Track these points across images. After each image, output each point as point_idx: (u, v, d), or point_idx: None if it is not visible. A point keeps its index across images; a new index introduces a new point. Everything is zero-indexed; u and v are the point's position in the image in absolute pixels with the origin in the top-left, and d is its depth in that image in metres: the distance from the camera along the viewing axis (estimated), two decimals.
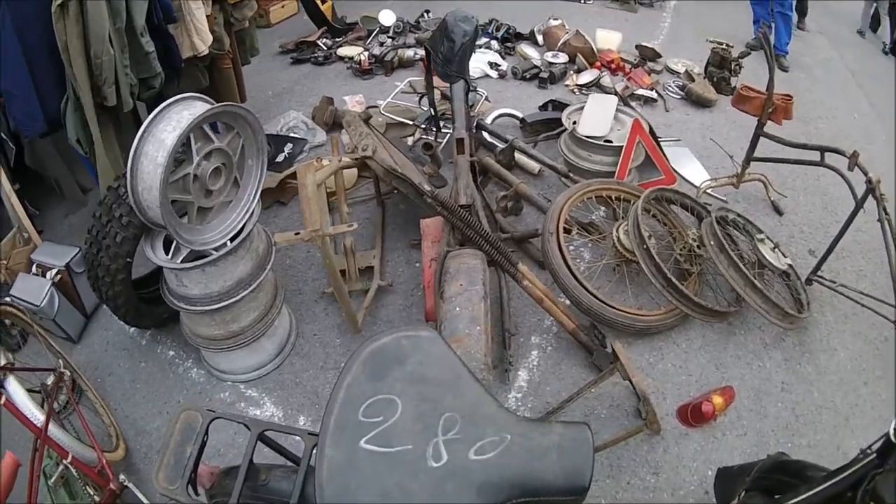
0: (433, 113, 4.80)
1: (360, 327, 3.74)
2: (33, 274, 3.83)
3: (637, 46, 6.99)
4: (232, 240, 3.13)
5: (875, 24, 8.98)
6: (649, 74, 6.50)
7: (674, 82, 6.51)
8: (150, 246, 3.11)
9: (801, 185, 5.06)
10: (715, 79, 6.38)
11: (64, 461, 2.55)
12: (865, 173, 3.69)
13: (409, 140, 4.89)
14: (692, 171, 5.07)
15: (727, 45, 6.43)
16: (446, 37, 4.26)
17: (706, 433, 3.22)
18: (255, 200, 3.24)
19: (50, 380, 3.04)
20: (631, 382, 2.87)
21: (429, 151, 4.29)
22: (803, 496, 1.81)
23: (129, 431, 3.32)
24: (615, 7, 8.61)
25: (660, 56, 6.88)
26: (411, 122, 4.92)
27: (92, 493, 2.65)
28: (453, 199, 3.69)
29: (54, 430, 2.66)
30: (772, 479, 2.07)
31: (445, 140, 4.90)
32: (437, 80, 4.76)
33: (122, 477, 2.82)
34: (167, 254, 3.15)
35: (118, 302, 3.33)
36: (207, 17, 4.27)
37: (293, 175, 4.51)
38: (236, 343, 3.33)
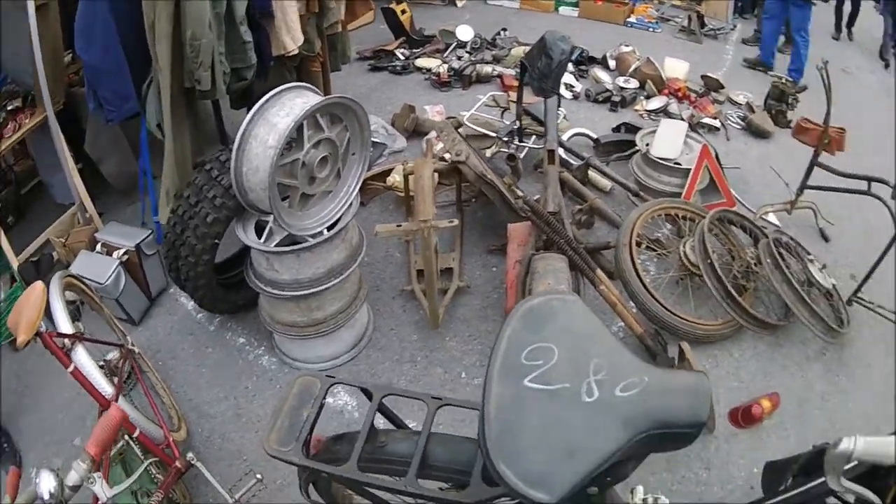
0: (519, 125, 5.03)
1: (440, 324, 3.89)
2: (97, 252, 3.81)
3: (702, 77, 7.21)
4: (329, 229, 3.23)
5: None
6: (713, 104, 6.74)
7: (735, 113, 6.75)
8: (242, 229, 3.17)
9: (846, 215, 5.27)
10: (773, 111, 6.61)
11: (131, 435, 2.51)
12: None
13: (488, 153, 5.09)
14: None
15: (787, 79, 6.68)
16: (545, 53, 4.52)
17: (753, 434, 3.43)
18: (355, 193, 3.34)
19: (112, 355, 3.03)
20: None
21: (511, 163, 4.55)
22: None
23: (192, 415, 3.36)
24: (682, 37, 8.84)
25: (723, 87, 7.12)
26: (494, 135, 5.13)
27: (155, 472, 2.60)
28: (542, 206, 3.93)
29: (122, 403, 2.61)
30: (818, 464, 2.33)
31: (524, 154, 5.13)
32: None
33: (189, 455, 2.78)
34: (259, 238, 3.20)
35: (198, 283, 3.36)
36: (301, 16, 4.23)
37: (374, 177, 4.77)
38: (317, 331, 3.39)
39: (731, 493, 3.20)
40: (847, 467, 1.72)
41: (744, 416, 2.71)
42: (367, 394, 1.91)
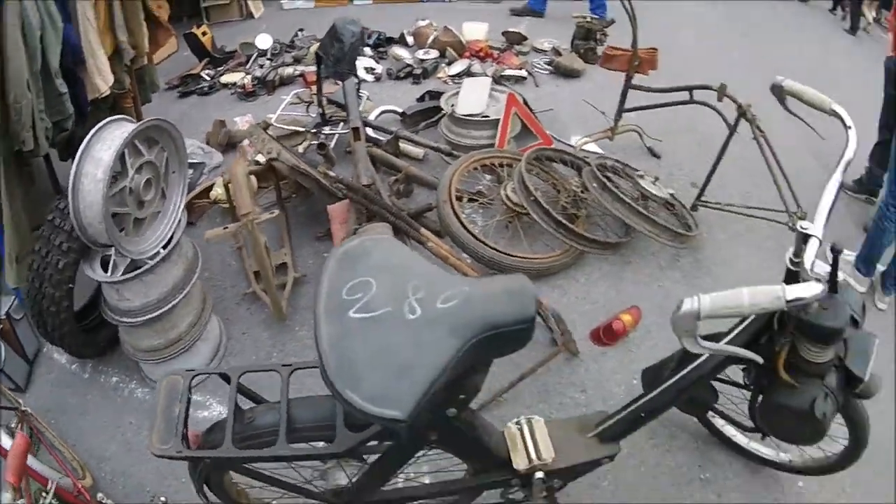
0: (323, 114, 5.08)
1: (286, 315, 3.91)
2: None
3: (503, 33, 7.31)
4: (164, 248, 3.30)
5: None
6: (517, 56, 6.84)
7: (542, 60, 6.86)
8: (89, 267, 3.23)
9: (676, 129, 5.44)
10: (582, 50, 6.76)
11: (46, 490, 2.59)
12: (735, 100, 4.07)
13: (300, 148, 5.06)
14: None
15: (591, 17, 6.85)
16: (336, 39, 4.57)
17: (621, 350, 3.52)
18: (181, 209, 3.43)
19: (13, 422, 3.03)
20: (539, 307, 3.16)
21: (322, 151, 4.55)
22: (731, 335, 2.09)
23: (91, 461, 3.33)
24: (481, 3, 8.94)
25: (526, 39, 7.23)
26: (303, 129, 5.13)
27: None
28: (356, 182, 3.92)
29: (32, 462, 2.65)
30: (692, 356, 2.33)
31: (334, 141, 5.13)
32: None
33: (100, 495, 2.88)
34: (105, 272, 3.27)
35: (63, 330, 3.40)
36: (109, 58, 4.31)
37: (198, 196, 4.77)
38: (176, 350, 3.48)
39: (615, 408, 3.21)
40: (728, 339, 2.06)
41: (605, 334, 2.63)
42: (226, 378, 1.98)
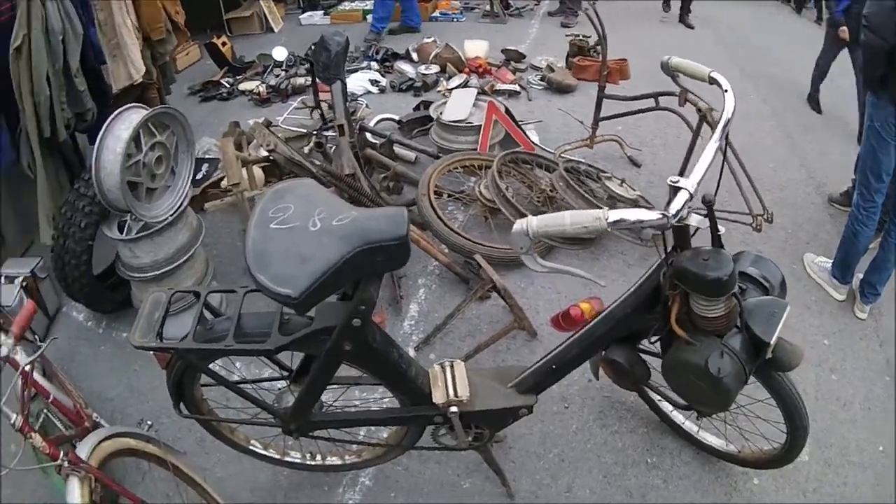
0: (321, 114, 5.51)
1: None
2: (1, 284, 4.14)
3: (503, 50, 7.71)
4: (171, 216, 3.75)
5: None
6: (514, 73, 7.23)
7: (536, 76, 7.26)
8: (108, 228, 3.73)
9: (659, 141, 5.78)
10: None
11: (46, 401, 2.78)
12: (695, 104, 4.25)
13: (305, 149, 5.32)
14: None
15: (584, 35, 7.15)
16: (324, 48, 5.21)
17: None
18: (188, 185, 3.88)
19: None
20: (494, 284, 3.58)
21: (320, 149, 5.01)
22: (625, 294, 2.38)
23: (95, 401, 3.57)
24: (486, 21, 9.41)
25: (524, 57, 7.66)
26: (305, 131, 5.49)
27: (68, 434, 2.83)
28: (339, 171, 4.30)
29: (38, 377, 2.82)
30: None
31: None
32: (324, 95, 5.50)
33: (95, 415, 3.16)
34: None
35: (83, 282, 3.84)
36: (141, 51, 4.78)
37: (211, 185, 5.13)
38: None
39: (571, 385, 3.51)
40: (619, 300, 2.39)
41: (564, 319, 2.73)
42: (196, 294, 2.34)
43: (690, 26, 9.22)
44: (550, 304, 4.06)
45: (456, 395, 2.44)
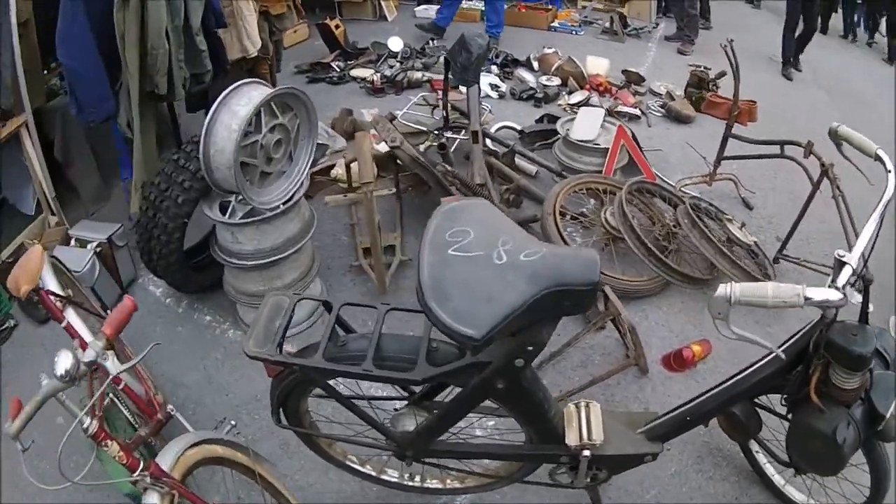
0: (446, 115, 5.40)
1: (387, 290, 4.16)
2: (72, 247, 4.03)
3: (623, 71, 7.56)
4: (284, 204, 3.55)
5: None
6: (634, 95, 7.09)
7: (656, 102, 7.12)
8: (209, 208, 3.53)
9: (769, 185, 5.60)
10: (694, 98, 6.96)
11: (117, 389, 2.66)
12: (819, 158, 4.20)
13: (422, 147, 5.24)
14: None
15: (705, 67, 7.04)
16: (464, 48, 4.91)
17: (688, 377, 3.69)
18: (305, 173, 3.71)
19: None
20: (619, 317, 3.48)
21: (442, 151, 4.85)
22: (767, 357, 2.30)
23: (167, 385, 3.49)
24: (605, 38, 9.25)
25: (643, 80, 7.49)
26: (425, 129, 5.41)
27: (136, 425, 2.69)
28: (470, 179, 4.23)
29: (110, 362, 2.50)
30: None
31: (454, 145, 5.39)
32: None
33: (170, 406, 2.81)
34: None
35: (170, 260, 3.66)
36: (258, 24, 4.74)
37: (319, 172, 5.12)
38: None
39: None
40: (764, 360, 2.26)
41: (675, 360, 2.85)
42: (328, 306, 2.22)
43: (789, 78, 8.72)
44: (663, 342, 3.97)
45: (590, 438, 2.37)
